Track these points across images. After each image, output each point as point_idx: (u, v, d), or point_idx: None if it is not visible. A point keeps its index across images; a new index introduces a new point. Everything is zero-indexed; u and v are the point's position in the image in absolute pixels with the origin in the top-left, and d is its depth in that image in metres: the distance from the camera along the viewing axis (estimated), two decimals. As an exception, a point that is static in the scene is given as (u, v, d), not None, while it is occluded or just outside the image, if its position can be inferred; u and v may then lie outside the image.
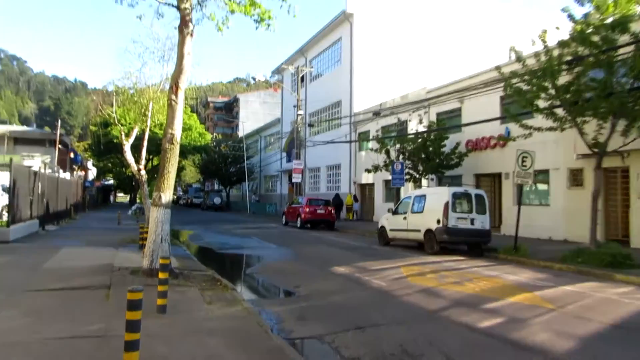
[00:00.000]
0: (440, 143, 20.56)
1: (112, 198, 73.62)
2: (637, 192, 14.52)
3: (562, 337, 5.69)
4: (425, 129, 21.73)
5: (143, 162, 14.61)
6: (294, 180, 29.51)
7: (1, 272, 8.70)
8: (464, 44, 32.02)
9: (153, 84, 13.60)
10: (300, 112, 29.87)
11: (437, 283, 9.03)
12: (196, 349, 4.72)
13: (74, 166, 43.41)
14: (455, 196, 13.75)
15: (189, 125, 45.88)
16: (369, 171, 23.42)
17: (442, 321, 6.37)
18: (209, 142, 54.72)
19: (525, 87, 12.75)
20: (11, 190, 13.25)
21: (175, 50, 8.76)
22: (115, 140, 31.11)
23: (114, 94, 14.91)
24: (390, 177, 21.25)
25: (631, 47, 11.06)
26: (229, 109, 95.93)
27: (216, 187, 61.89)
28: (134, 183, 44.86)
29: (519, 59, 12.89)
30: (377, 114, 26.00)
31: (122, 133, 14.87)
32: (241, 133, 56.55)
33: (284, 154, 40.57)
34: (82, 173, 47.22)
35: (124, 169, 46.13)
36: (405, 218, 15.10)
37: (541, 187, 18.25)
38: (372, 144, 26.38)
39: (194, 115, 52.77)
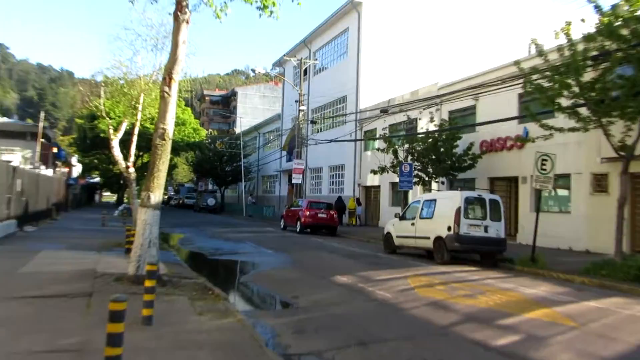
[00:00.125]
0: (452, 143, 20.50)
1: (97, 197, 73.74)
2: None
3: (584, 358, 5.60)
4: (436, 128, 21.66)
5: (132, 158, 14.61)
6: (294, 181, 29.47)
7: (-25, 276, 8.63)
8: (479, 36, 31.93)
9: (145, 75, 13.60)
10: (302, 107, 29.84)
11: (447, 295, 8.96)
12: (184, 365, 4.64)
13: (57, 162, 43.53)
14: (468, 201, 13.68)
15: (183, 120, 45.89)
16: (374, 172, 23.37)
17: (453, 338, 6.29)
18: (203, 139, 54.74)
19: (546, 84, 12.66)
20: (-12, 187, 13.20)
21: (170, 39, 8.74)
22: (102, 135, 31.09)
23: (103, 84, 14.91)
24: (397, 180, 21.19)
25: (663, 42, 10.96)
26: (226, 104, 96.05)
27: (210, 187, 61.97)
28: (121, 181, 44.89)
29: (541, 53, 12.81)
30: (384, 111, 25.91)
31: (110, 127, 14.85)
32: (238, 129, 56.59)
33: (284, 153, 40.56)
34: (66, 170, 47.32)
35: (111, 166, 46.12)
36: (413, 224, 15.03)
37: (561, 192, 18.16)
38: (378, 144, 26.33)
39: (188, 109, 52.79)
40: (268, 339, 5.91)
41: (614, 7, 11.47)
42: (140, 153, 42.03)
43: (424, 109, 23.59)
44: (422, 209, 14.97)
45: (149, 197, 8.34)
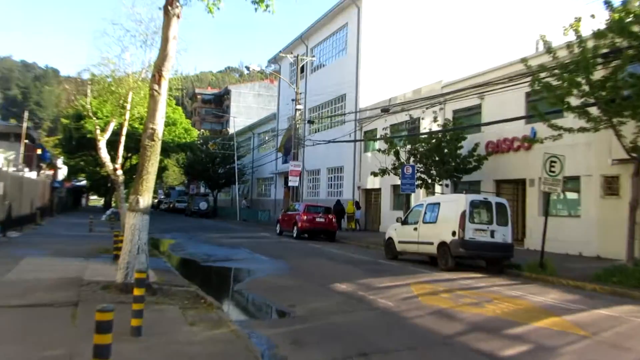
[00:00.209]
0: (456, 144, 20.53)
1: (84, 201, 73.64)
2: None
3: (597, 369, 5.58)
4: (439, 128, 21.69)
5: (120, 160, 14.53)
6: (290, 183, 29.47)
7: (-46, 284, 8.58)
8: (485, 32, 32.03)
9: (133, 72, 13.54)
10: (299, 106, 29.87)
11: (452, 304, 8.96)
12: (175, 378, 4.62)
13: (42, 164, 43.41)
14: (473, 205, 13.70)
15: (173, 119, 45.83)
16: (375, 175, 23.36)
17: (459, 348, 6.28)
18: (195, 139, 54.67)
19: (555, 83, 12.69)
20: (-32, 191, 13.15)
21: (160, 34, 8.69)
22: (89, 136, 31.02)
23: (89, 82, 14.84)
24: (399, 182, 21.19)
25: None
26: (219, 102, 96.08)
27: (202, 190, 61.87)
28: (109, 184, 44.75)
29: (549, 50, 12.85)
30: (385, 110, 25.96)
31: (97, 127, 14.79)
32: (232, 130, 56.64)
33: (280, 154, 40.55)
34: (51, 172, 47.19)
35: (98, 169, 45.95)
36: (416, 229, 15.03)
37: (571, 195, 18.19)
38: (379, 144, 26.35)
39: (179, 108, 52.75)
40: (264, 351, 5.88)
41: (625, 2, 11.54)
42: (129, 155, 41.96)
43: (426, 108, 23.65)
44: (425, 213, 14.96)
45: (138, 200, 8.31)
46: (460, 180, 21.62)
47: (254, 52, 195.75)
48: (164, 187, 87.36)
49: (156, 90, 8.44)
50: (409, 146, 21.92)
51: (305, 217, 23.54)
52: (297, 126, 30.40)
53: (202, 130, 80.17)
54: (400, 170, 20.84)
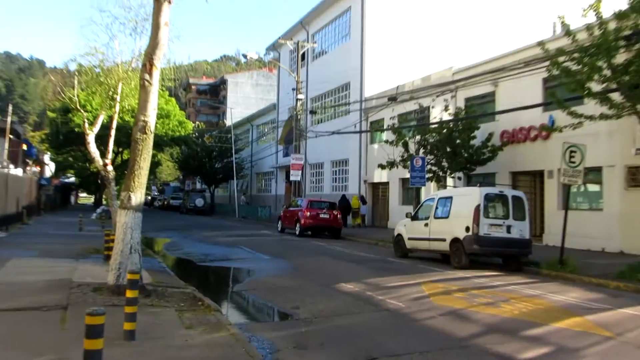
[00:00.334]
0: (469, 134, 20.48)
1: (73, 199, 73.86)
2: None
3: (622, 372, 5.57)
4: (451, 117, 21.61)
5: (110, 155, 14.57)
6: (292, 178, 29.48)
7: (-64, 287, 8.61)
8: (499, 15, 31.82)
9: (123, 62, 13.54)
10: (300, 96, 29.82)
11: (466, 304, 8.95)
12: (171, 385, 4.62)
13: (28, 160, 43.60)
14: (488, 198, 13.67)
15: (167, 111, 45.80)
16: (382, 167, 23.32)
17: (475, 351, 6.27)
18: (190, 132, 54.68)
19: (574, 67, 12.60)
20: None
21: (150, 21, 8.67)
22: (77, 130, 31.08)
23: (77, 73, 14.85)
24: (408, 175, 21.18)
25: None
26: (215, 93, 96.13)
27: (198, 186, 62.04)
28: (99, 181, 44.88)
29: (568, 32, 12.72)
30: (393, 99, 25.87)
31: (86, 121, 14.81)
32: (229, 122, 56.59)
33: (280, 147, 40.56)
34: (38, 169, 47.43)
35: (87, 164, 46.11)
36: (426, 225, 15.02)
37: (592, 187, 18.12)
38: (386, 135, 26.30)
39: (173, 99, 52.69)
40: (265, 355, 5.89)
41: (650, -21, 11.40)
42: (120, 149, 42.07)
43: (437, 97, 23.56)
44: (436, 207, 14.95)
45: (130, 197, 8.32)
46: (474, 173, 21.57)
47: (252, 39, 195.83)
48: (157, 183, 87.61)
49: (147, 81, 8.43)
50: (418, 137, 21.86)
51: (308, 213, 23.55)
52: (299, 117, 30.36)
53: (197, 122, 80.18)
54: (409, 162, 20.80)
